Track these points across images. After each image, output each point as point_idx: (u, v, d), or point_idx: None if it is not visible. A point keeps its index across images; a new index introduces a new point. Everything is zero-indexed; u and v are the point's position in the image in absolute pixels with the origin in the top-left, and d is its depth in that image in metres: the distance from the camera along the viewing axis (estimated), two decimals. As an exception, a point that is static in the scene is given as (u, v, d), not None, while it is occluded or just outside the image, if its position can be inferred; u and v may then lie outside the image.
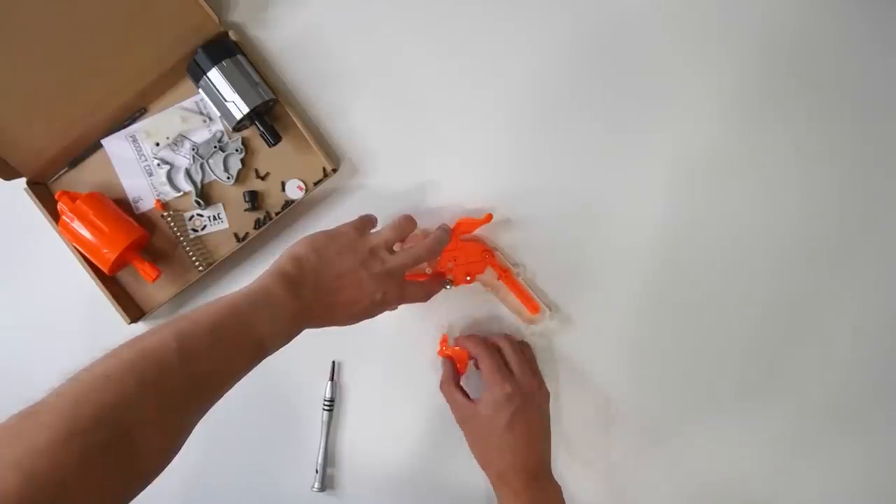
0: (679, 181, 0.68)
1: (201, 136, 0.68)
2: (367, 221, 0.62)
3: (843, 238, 0.68)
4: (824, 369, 0.70)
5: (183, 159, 0.68)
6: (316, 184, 0.68)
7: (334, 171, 0.68)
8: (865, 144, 0.67)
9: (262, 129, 0.64)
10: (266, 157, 0.68)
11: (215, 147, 0.68)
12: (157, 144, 0.68)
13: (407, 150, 0.69)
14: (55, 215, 0.66)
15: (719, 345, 0.70)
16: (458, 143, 0.68)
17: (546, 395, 0.66)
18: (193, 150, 0.68)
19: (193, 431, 0.45)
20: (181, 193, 0.68)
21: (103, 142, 0.68)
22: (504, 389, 0.61)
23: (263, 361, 0.50)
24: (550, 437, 0.65)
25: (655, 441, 0.71)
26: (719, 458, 0.71)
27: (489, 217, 0.66)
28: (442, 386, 0.67)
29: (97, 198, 0.65)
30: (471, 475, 0.65)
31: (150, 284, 0.67)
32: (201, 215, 0.69)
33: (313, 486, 0.71)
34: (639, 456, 0.71)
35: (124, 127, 0.68)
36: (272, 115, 0.68)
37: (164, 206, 0.68)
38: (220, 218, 0.69)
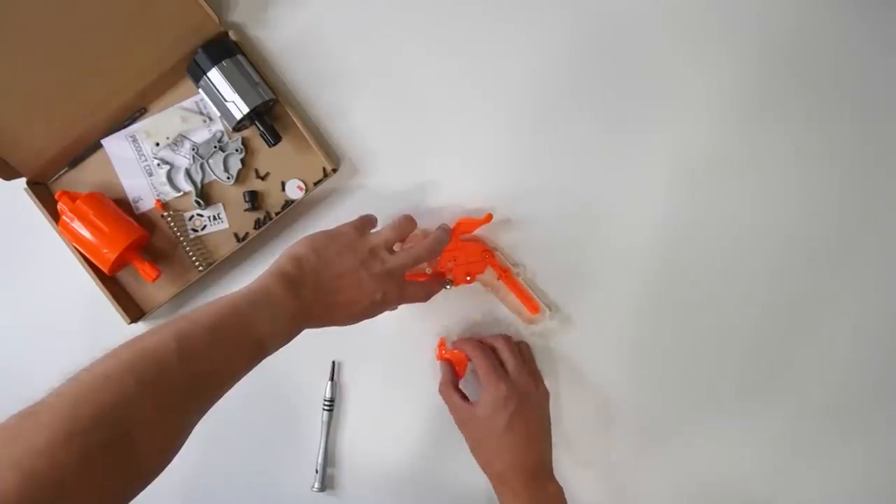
0: (679, 181, 0.68)
1: (201, 136, 0.68)
2: (367, 221, 0.62)
3: (843, 238, 0.68)
4: (824, 369, 0.70)
5: (183, 159, 0.68)
6: (316, 184, 0.68)
7: (334, 171, 0.68)
8: (865, 144, 0.67)
9: (262, 129, 0.64)
10: (266, 157, 0.68)
11: (215, 147, 0.68)
12: (157, 144, 0.68)
13: (407, 150, 0.69)
14: (55, 215, 0.66)
15: (719, 345, 0.70)
16: (458, 143, 0.68)
17: (545, 395, 0.66)
18: (193, 150, 0.68)
19: (193, 431, 0.45)
20: (181, 193, 0.68)
21: (103, 142, 0.68)
22: (500, 391, 0.61)
23: (263, 361, 0.50)
24: (551, 437, 0.65)
25: (655, 441, 0.71)
26: (719, 458, 0.71)
27: (489, 217, 0.66)
28: (441, 389, 0.67)
29: (97, 198, 0.65)
30: (471, 475, 0.65)
31: (150, 284, 0.67)
32: (201, 215, 0.69)
33: (313, 486, 0.71)
34: (639, 456, 0.71)
35: (124, 127, 0.68)
36: (272, 115, 0.68)
37: (164, 206, 0.68)
38: (220, 218, 0.69)
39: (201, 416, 0.46)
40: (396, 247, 0.62)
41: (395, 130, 0.69)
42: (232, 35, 0.65)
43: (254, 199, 0.68)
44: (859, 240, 0.68)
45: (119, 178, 0.69)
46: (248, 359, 0.49)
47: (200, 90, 0.64)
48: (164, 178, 0.68)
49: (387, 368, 0.71)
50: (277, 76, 0.68)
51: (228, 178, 0.68)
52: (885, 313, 0.69)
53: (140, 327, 0.69)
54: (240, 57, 0.64)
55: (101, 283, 0.66)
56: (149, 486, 0.42)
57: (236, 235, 0.69)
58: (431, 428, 0.71)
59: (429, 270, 0.67)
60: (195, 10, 0.63)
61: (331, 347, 0.71)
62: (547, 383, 0.67)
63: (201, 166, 0.68)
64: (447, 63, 0.68)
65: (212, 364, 0.46)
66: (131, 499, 0.41)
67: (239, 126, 0.64)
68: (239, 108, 0.62)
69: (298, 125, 0.66)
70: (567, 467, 0.69)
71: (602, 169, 0.68)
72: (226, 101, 0.63)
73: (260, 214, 0.69)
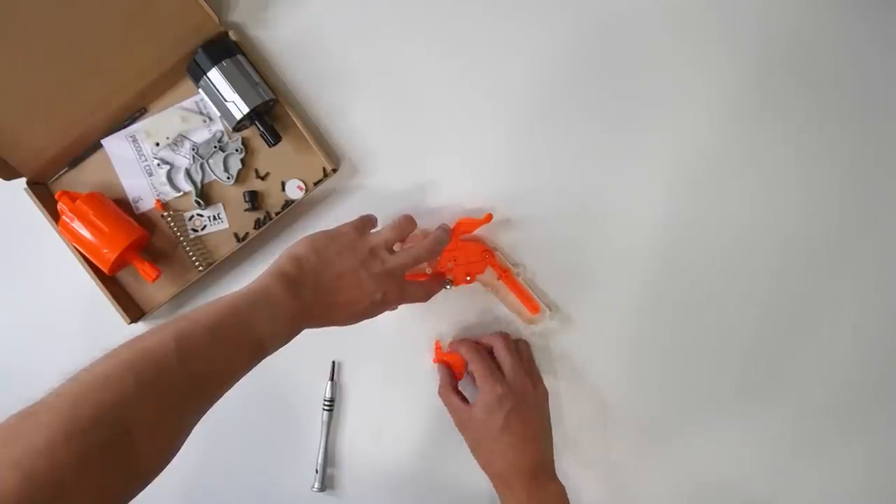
0: (679, 181, 0.68)
1: (201, 136, 0.68)
2: (367, 221, 0.62)
3: (843, 238, 0.68)
4: (824, 369, 0.70)
5: (183, 159, 0.68)
6: (316, 184, 0.68)
7: (334, 171, 0.68)
8: (865, 144, 0.67)
9: (262, 129, 0.64)
10: (266, 157, 0.68)
11: (215, 147, 0.68)
12: (157, 144, 0.68)
13: (407, 150, 0.69)
14: (55, 215, 0.66)
15: (719, 345, 0.70)
16: (458, 143, 0.68)
17: (544, 394, 0.66)
18: (193, 150, 0.68)
19: (193, 431, 0.45)
20: (181, 193, 0.68)
21: (103, 142, 0.68)
22: (495, 391, 0.61)
23: (263, 361, 0.50)
24: (551, 437, 0.65)
25: (655, 441, 0.71)
26: (719, 458, 0.71)
27: (489, 217, 0.66)
28: (440, 391, 0.67)
29: (97, 198, 0.65)
30: (471, 475, 0.65)
31: (150, 284, 0.67)
32: (201, 215, 0.69)
33: (313, 486, 0.71)
34: (639, 456, 0.71)
35: (124, 127, 0.68)
36: (272, 115, 0.68)
37: (164, 206, 0.68)
38: (220, 218, 0.69)
39: (201, 416, 0.46)
40: (396, 247, 0.62)
41: (395, 130, 0.69)
42: (232, 35, 0.65)
43: (254, 199, 0.68)
44: (859, 240, 0.68)
45: (119, 178, 0.69)
46: (247, 359, 0.49)
47: (200, 90, 0.64)
48: (164, 178, 0.68)
49: (387, 368, 0.71)
50: (277, 76, 0.68)
51: (228, 178, 0.68)
52: (885, 313, 0.69)
53: (140, 327, 0.69)
54: (240, 57, 0.64)
55: (101, 283, 0.66)
56: (149, 486, 0.42)
57: (236, 235, 0.69)
58: (431, 428, 0.71)
59: (429, 270, 0.67)
60: (195, 10, 0.63)
61: (331, 347, 0.71)
62: (547, 383, 0.67)
63: (201, 166, 0.68)
64: (447, 63, 0.68)
65: (211, 364, 0.46)
66: (131, 499, 0.41)
67: (239, 126, 0.64)
68: (239, 108, 0.62)
69: (298, 125, 0.66)
70: (567, 467, 0.69)
71: (602, 169, 0.68)
72: (226, 101, 0.63)
73: (260, 214, 0.69)
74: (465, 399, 0.66)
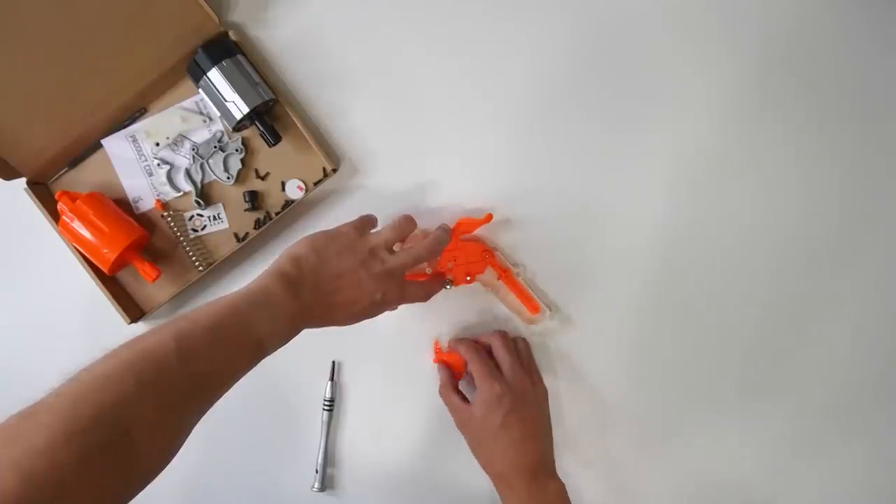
0: (679, 181, 0.68)
1: (201, 136, 0.68)
2: (367, 221, 0.62)
3: (843, 238, 0.68)
4: (824, 369, 0.70)
5: (183, 159, 0.68)
6: (316, 184, 0.68)
7: (334, 171, 0.68)
8: (865, 144, 0.67)
9: (262, 129, 0.64)
10: (266, 157, 0.68)
11: (215, 147, 0.68)
12: (157, 144, 0.68)
13: (407, 150, 0.69)
14: (55, 215, 0.66)
15: (719, 345, 0.70)
16: (458, 143, 0.68)
17: (543, 393, 0.66)
18: (193, 150, 0.68)
19: (193, 431, 0.45)
20: (181, 193, 0.68)
21: (103, 142, 0.68)
22: (493, 390, 0.61)
23: (263, 361, 0.50)
24: (551, 435, 0.65)
25: (655, 441, 0.71)
26: (719, 458, 0.71)
27: (489, 217, 0.66)
28: (440, 391, 0.68)
29: (97, 198, 0.65)
30: (471, 475, 0.65)
31: (150, 284, 0.68)
32: (201, 215, 0.69)
33: (313, 486, 0.71)
34: (639, 455, 0.71)
35: (124, 127, 0.68)
36: (272, 115, 0.68)
37: (164, 206, 0.68)
38: (220, 218, 0.69)
39: (201, 416, 0.46)
40: (396, 247, 0.62)
41: (395, 130, 0.69)
42: (232, 35, 0.65)
43: (254, 199, 0.68)
44: (859, 240, 0.68)
45: (119, 178, 0.69)
46: (247, 359, 0.49)
47: (200, 90, 0.64)
48: (164, 178, 0.68)
49: (387, 368, 0.71)
50: (277, 76, 0.68)
51: (228, 178, 0.68)
52: (885, 313, 0.69)
53: (140, 327, 0.69)
54: (240, 57, 0.64)
55: (101, 283, 0.66)
56: (149, 486, 0.42)
57: (236, 235, 0.69)
58: (431, 428, 0.71)
59: (429, 270, 0.67)
60: (195, 10, 0.63)
61: (331, 347, 0.71)
62: (547, 383, 0.67)
63: (201, 166, 0.68)
64: (447, 63, 0.68)
65: (211, 364, 0.46)
66: (131, 499, 0.41)
67: (239, 126, 0.64)
68: (239, 108, 0.62)
69: (298, 125, 0.66)
70: (567, 467, 0.69)
71: (602, 169, 0.68)
72: (226, 101, 0.63)
73: (260, 214, 0.69)
74: (465, 399, 0.66)
